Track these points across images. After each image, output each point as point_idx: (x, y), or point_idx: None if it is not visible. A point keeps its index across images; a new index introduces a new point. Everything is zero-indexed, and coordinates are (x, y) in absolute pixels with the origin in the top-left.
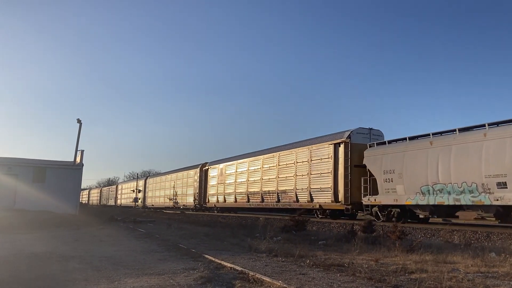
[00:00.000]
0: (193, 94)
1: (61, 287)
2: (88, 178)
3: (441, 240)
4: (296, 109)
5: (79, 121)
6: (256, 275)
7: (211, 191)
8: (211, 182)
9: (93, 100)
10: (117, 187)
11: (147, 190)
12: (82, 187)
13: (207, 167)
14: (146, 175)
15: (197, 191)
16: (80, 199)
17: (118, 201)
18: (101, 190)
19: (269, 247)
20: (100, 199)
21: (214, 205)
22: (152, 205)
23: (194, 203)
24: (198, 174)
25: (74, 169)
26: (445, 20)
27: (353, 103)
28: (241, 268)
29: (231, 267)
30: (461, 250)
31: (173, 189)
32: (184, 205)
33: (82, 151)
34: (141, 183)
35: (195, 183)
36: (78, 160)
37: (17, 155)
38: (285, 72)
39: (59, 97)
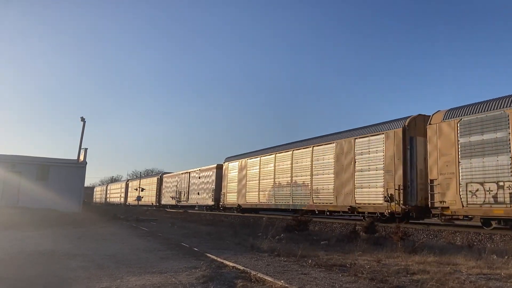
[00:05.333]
0: (196, 93)
1: (64, 285)
2: (91, 176)
3: (444, 241)
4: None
5: (82, 119)
6: (258, 275)
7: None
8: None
9: (97, 98)
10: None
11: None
12: (106, 182)
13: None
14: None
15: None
16: (103, 197)
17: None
18: (161, 178)
19: (271, 246)
20: (159, 195)
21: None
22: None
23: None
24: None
25: (77, 167)
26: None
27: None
28: (243, 267)
29: (233, 266)
30: (463, 252)
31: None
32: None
33: (86, 149)
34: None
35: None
36: (81, 158)
37: (20, 153)
38: (291, 70)
39: (63, 95)
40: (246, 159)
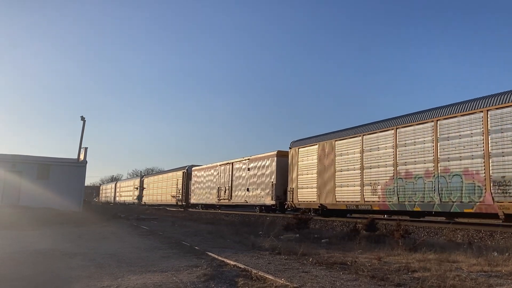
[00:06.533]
0: (196, 92)
1: (64, 284)
2: (91, 176)
3: (444, 239)
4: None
5: (82, 118)
6: (259, 273)
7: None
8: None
9: (96, 97)
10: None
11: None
12: (122, 177)
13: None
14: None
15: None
16: (111, 196)
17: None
18: (188, 172)
19: (272, 245)
20: (187, 193)
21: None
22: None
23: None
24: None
25: (77, 166)
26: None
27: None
28: (244, 266)
29: (234, 265)
30: (464, 249)
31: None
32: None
33: (86, 149)
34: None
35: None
36: (81, 157)
37: (21, 152)
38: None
39: (63, 94)
40: (332, 140)
